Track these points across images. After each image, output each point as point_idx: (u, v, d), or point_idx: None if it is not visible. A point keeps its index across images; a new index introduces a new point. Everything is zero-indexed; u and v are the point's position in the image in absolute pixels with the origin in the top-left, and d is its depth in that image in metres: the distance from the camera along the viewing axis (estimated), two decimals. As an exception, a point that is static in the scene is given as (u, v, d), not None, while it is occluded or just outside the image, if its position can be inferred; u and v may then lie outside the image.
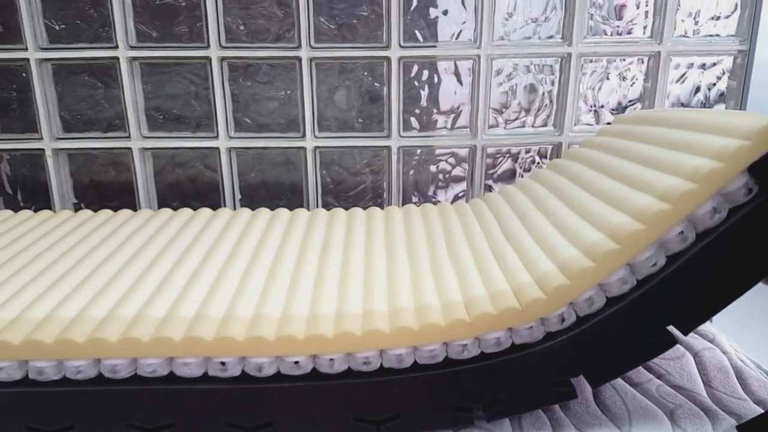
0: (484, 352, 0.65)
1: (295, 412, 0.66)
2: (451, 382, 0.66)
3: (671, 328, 0.63)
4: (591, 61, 1.14)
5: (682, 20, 1.12)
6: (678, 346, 0.83)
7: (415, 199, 1.19)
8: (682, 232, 0.61)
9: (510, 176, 1.19)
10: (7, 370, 0.64)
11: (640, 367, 0.78)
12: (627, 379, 0.76)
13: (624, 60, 1.14)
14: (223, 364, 0.65)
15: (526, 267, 0.69)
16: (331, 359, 0.65)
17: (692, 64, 1.15)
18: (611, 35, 1.13)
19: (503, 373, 0.65)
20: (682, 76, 1.16)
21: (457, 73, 1.13)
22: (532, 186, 0.94)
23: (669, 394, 0.72)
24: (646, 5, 1.12)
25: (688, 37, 1.13)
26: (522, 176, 1.19)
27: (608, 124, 1.12)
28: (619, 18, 1.13)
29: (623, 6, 1.12)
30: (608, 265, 0.62)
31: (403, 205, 1.17)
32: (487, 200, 0.99)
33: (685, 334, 0.63)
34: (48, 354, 0.63)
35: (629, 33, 1.13)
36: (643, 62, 1.14)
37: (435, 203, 1.14)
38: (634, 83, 1.16)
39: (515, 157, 1.18)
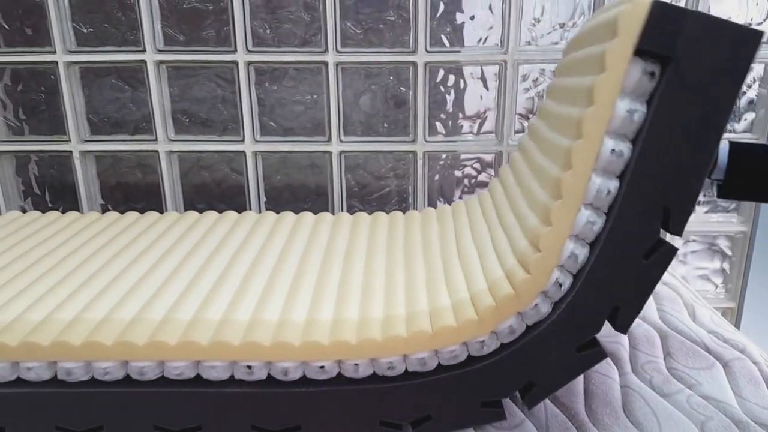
0: (503, 343, 0.66)
1: (322, 416, 0.66)
2: (476, 381, 0.66)
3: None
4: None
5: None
6: (707, 355, 0.82)
7: (440, 205, 1.19)
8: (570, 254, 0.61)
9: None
10: (36, 370, 0.65)
11: (670, 377, 0.77)
12: (657, 389, 0.75)
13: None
14: (249, 367, 0.65)
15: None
16: (356, 364, 0.66)
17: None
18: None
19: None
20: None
21: (483, 78, 1.13)
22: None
23: (700, 404, 0.71)
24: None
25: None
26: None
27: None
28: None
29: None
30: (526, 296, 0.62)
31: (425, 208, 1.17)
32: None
33: (623, 331, 0.63)
34: (76, 355, 0.64)
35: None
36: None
37: (459, 209, 1.14)
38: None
39: (542, 163, 1.17)
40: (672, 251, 0.60)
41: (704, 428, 0.67)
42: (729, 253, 1.21)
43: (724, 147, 0.64)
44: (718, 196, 0.66)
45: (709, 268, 1.22)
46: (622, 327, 0.63)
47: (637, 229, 0.59)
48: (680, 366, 0.80)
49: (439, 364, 0.66)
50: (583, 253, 0.62)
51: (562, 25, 1.10)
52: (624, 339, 0.86)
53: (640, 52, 0.56)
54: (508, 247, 0.72)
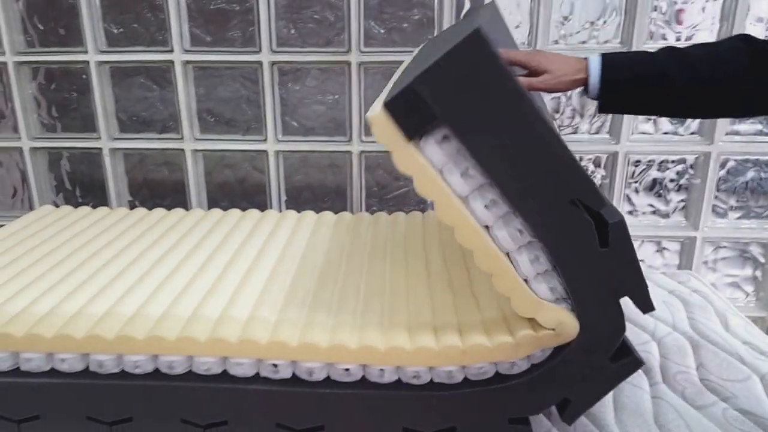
0: (533, 363, 0.67)
1: (346, 418, 0.68)
2: (505, 398, 0.67)
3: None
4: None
5: (752, 24, 1.10)
6: (742, 367, 0.81)
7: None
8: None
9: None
10: (70, 362, 0.68)
11: (704, 389, 0.77)
12: (689, 401, 0.74)
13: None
14: (275, 366, 0.68)
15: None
16: (382, 370, 0.67)
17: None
18: (677, 40, 1.11)
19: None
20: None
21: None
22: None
23: (736, 418, 0.70)
24: (701, 8, 1.10)
25: (755, 42, 1.10)
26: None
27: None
28: (679, 23, 1.11)
29: (681, 10, 1.10)
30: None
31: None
32: None
33: (645, 312, 0.63)
34: (109, 348, 0.67)
35: (689, 39, 1.11)
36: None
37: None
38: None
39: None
40: (620, 225, 0.59)
41: (742, 444, 0.67)
42: (762, 260, 1.19)
43: (595, 61, 0.62)
44: (600, 112, 0.64)
45: (739, 275, 1.21)
46: (644, 307, 0.63)
47: (570, 232, 0.59)
48: (714, 377, 0.79)
49: (465, 378, 0.67)
50: (557, 281, 0.64)
51: (591, 24, 1.11)
52: (654, 348, 0.86)
53: (412, 138, 0.58)
54: None
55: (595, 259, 0.60)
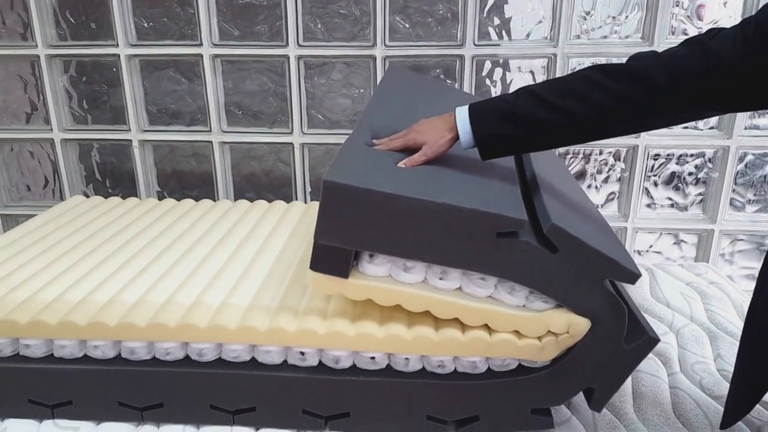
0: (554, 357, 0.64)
1: (370, 405, 0.66)
2: (528, 389, 0.65)
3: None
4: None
5: (772, 19, 1.05)
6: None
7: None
8: None
9: (581, 177, 1.15)
10: (102, 348, 0.67)
11: (721, 379, 0.74)
12: (707, 391, 0.72)
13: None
14: (302, 353, 0.65)
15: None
16: (407, 358, 0.65)
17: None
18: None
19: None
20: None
21: (531, 71, 1.10)
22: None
23: (755, 410, 0.67)
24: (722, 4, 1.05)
25: (777, 37, 1.05)
26: (594, 178, 1.15)
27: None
28: (700, 18, 1.07)
29: (701, 5, 1.06)
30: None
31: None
32: None
33: (633, 282, 0.61)
34: (141, 335, 0.65)
35: (710, 33, 1.07)
36: (726, 63, 1.08)
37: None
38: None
39: (587, 158, 1.14)
40: (554, 227, 0.59)
41: (760, 432, 0.64)
42: (778, 251, 1.16)
43: (462, 116, 0.62)
44: (483, 158, 0.63)
45: (756, 267, 1.17)
46: (631, 279, 0.61)
47: (516, 255, 0.59)
48: (731, 368, 0.76)
49: (489, 368, 0.65)
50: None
51: (613, 18, 1.06)
52: (672, 338, 0.83)
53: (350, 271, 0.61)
54: None
55: (554, 265, 0.60)
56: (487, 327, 0.64)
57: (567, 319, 0.61)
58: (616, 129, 0.59)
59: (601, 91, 0.56)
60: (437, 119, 0.65)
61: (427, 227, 0.58)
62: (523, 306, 0.62)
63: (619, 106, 0.56)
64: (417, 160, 0.64)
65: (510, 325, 0.62)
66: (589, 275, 0.60)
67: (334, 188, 0.57)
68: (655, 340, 0.62)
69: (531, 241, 0.58)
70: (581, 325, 0.61)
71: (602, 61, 1.08)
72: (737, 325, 0.86)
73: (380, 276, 0.61)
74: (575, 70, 0.60)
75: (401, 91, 0.88)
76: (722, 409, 0.68)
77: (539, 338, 0.63)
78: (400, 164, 0.63)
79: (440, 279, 0.61)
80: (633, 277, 0.60)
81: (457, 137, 0.63)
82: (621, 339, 0.62)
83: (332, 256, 0.60)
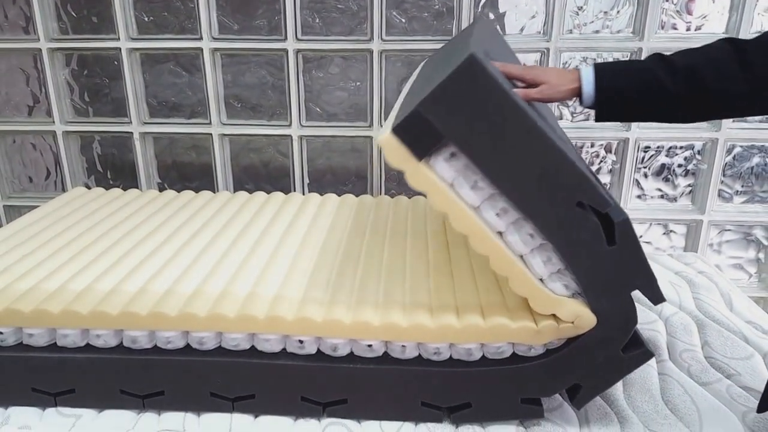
0: (549, 349, 0.64)
1: (367, 392, 0.66)
2: (520, 378, 0.64)
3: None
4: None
5: (760, 14, 1.04)
6: (745, 345, 0.78)
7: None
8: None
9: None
10: (105, 337, 0.66)
11: (709, 366, 0.74)
12: (695, 377, 0.72)
13: (696, 55, 1.07)
14: (301, 342, 0.65)
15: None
16: (403, 346, 0.64)
17: (768, 60, 1.06)
18: (687, 30, 1.05)
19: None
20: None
21: (524, 65, 1.08)
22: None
23: (740, 395, 0.68)
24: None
25: (765, 32, 1.04)
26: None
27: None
28: (689, 13, 1.05)
29: (690, 1, 1.05)
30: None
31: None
32: None
33: (656, 303, 0.61)
34: (142, 325, 0.64)
35: (699, 29, 1.06)
36: (715, 58, 1.06)
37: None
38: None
39: (579, 151, 1.13)
40: (625, 224, 0.57)
41: (746, 419, 0.64)
42: (765, 243, 1.15)
43: (587, 76, 0.60)
44: (597, 120, 0.62)
45: (743, 257, 1.16)
46: (655, 299, 0.61)
47: (577, 234, 0.58)
48: (718, 355, 0.76)
49: (483, 356, 0.65)
50: (570, 278, 0.61)
51: (605, 13, 1.05)
52: (661, 326, 0.83)
53: (422, 157, 0.57)
54: None
55: (603, 256, 0.58)
56: (482, 313, 0.63)
57: (578, 310, 0.61)
58: (736, 112, 0.58)
59: (735, 72, 0.54)
60: (562, 69, 0.63)
61: (526, 159, 0.55)
62: (543, 280, 0.61)
63: (749, 91, 0.55)
64: (532, 95, 0.61)
65: (525, 288, 0.61)
66: (625, 280, 0.59)
67: (475, 67, 0.52)
68: (651, 354, 0.63)
69: (598, 225, 0.57)
70: (588, 320, 0.61)
71: (593, 55, 1.07)
72: (724, 314, 0.86)
73: (445, 177, 0.58)
74: (709, 44, 0.58)
75: (488, 41, 0.82)
76: (710, 396, 0.68)
77: (535, 321, 0.62)
78: (516, 91, 0.60)
79: (496, 214, 0.58)
80: (659, 299, 0.60)
81: (578, 91, 0.60)
82: (620, 347, 0.62)
83: (420, 133, 0.55)
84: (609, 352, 0.62)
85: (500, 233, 0.59)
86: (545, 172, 0.56)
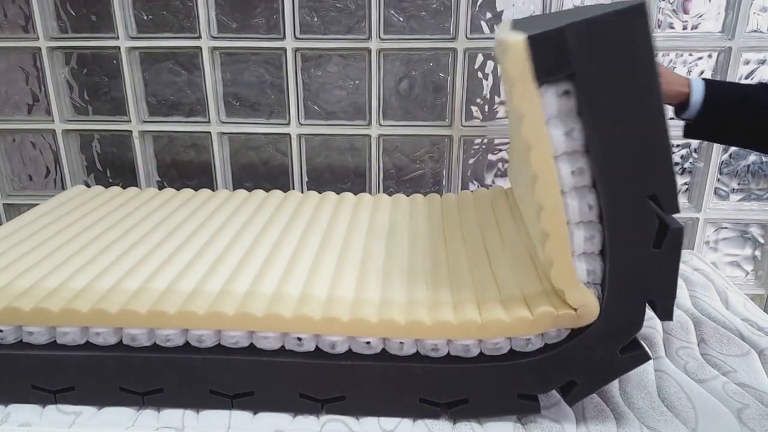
0: (547, 343, 0.64)
1: (365, 388, 0.66)
2: (516, 374, 0.64)
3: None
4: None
5: (757, 14, 1.04)
6: (741, 342, 0.78)
7: (473, 187, 1.16)
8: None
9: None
10: (104, 335, 0.66)
11: (705, 363, 0.74)
12: (691, 375, 0.72)
13: (692, 55, 1.07)
14: (299, 339, 0.65)
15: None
16: (401, 343, 0.64)
17: (764, 59, 1.06)
18: (683, 29, 1.05)
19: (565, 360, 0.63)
20: (752, 72, 1.07)
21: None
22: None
23: (736, 392, 0.68)
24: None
25: (761, 32, 1.04)
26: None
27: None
28: (686, 12, 1.05)
29: (687, 0, 1.04)
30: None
31: (461, 191, 1.15)
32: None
33: (669, 318, 0.60)
34: (141, 323, 0.64)
35: (695, 28, 1.06)
36: (712, 57, 1.07)
37: (494, 192, 1.10)
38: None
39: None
40: (679, 232, 0.56)
41: (741, 415, 0.64)
42: (761, 240, 1.15)
43: (698, 85, 0.59)
44: (685, 136, 0.61)
45: (740, 255, 1.17)
46: (665, 315, 0.60)
47: (635, 225, 0.56)
48: (715, 353, 0.76)
49: (481, 352, 0.64)
50: (598, 265, 0.60)
51: (602, 14, 1.05)
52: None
53: (542, 82, 0.54)
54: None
55: (642, 257, 0.57)
56: (478, 309, 0.64)
57: (587, 298, 0.60)
58: None
59: None
60: (676, 73, 0.62)
61: (635, 131, 0.53)
62: (573, 255, 0.60)
63: None
64: None
65: (560, 254, 0.59)
66: (650, 287, 0.58)
67: (642, 18, 0.49)
68: (648, 357, 0.62)
69: (656, 225, 0.56)
70: (591, 312, 0.60)
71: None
72: (720, 311, 0.86)
73: (547, 110, 0.55)
74: None
75: None
76: (706, 393, 0.68)
77: (531, 311, 0.62)
78: None
79: (571, 172, 0.56)
80: (668, 316, 0.59)
81: (685, 97, 0.60)
82: (618, 348, 0.61)
83: (552, 54, 0.52)
84: (607, 351, 0.62)
85: (563, 192, 0.57)
86: (642, 153, 0.53)
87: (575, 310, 0.61)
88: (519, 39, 0.52)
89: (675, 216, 0.57)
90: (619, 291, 0.59)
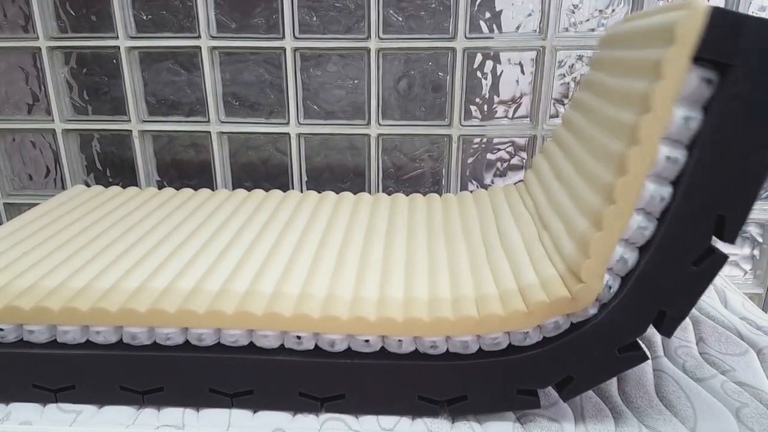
0: (546, 336, 0.63)
1: (364, 387, 0.66)
2: (515, 369, 0.64)
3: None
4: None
5: (754, 13, 1.04)
6: (740, 341, 0.78)
7: (472, 186, 1.17)
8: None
9: (569, 167, 1.14)
10: (104, 334, 0.66)
11: (703, 362, 0.74)
12: (690, 374, 0.72)
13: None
14: (298, 338, 0.65)
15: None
16: (400, 340, 0.64)
17: None
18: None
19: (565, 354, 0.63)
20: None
21: (520, 64, 1.09)
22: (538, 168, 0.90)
23: (734, 391, 0.68)
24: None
25: None
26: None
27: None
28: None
29: None
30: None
31: (460, 191, 1.15)
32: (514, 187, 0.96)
33: (668, 335, 0.59)
34: (141, 321, 0.64)
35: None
36: (710, 56, 1.07)
37: (493, 191, 1.11)
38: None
39: (575, 149, 1.13)
40: (722, 259, 0.56)
41: (739, 414, 0.64)
42: (760, 240, 1.15)
43: None
44: None
45: (738, 254, 1.17)
46: (667, 331, 0.60)
47: (689, 236, 0.56)
48: (713, 351, 0.76)
49: (480, 348, 0.64)
50: (632, 257, 0.59)
51: (600, 12, 1.05)
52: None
53: (697, 59, 0.52)
54: (554, 246, 0.69)
55: (677, 269, 0.56)
56: (476, 304, 0.64)
57: (595, 282, 0.58)
58: None
59: None
60: None
61: (750, 147, 0.52)
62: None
63: None
64: None
65: (610, 224, 0.57)
66: (669, 301, 0.58)
67: None
68: (646, 357, 0.62)
69: (707, 244, 0.56)
70: (588, 298, 0.59)
71: (589, 53, 1.07)
72: (719, 310, 0.86)
73: (682, 90, 0.53)
74: None
75: None
76: (704, 392, 0.68)
77: (526, 304, 0.62)
78: None
79: (666, 157, 0.55)
80: (669, 334, 0.60)
81: None
82: (617, 347, 0.61)
83: (722, 40, 0.50)
84: (605, 349, 0.62)
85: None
86: (740, 172, 0.52)
87: (569, 294, 0.60)
88: (702, 5, 0.50)
89: (729, 246, 0.57)
90: (637, 292, 0.59)
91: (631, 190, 0.56)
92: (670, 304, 0.59)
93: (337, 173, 1.17)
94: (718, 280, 0.96)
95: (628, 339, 0.62)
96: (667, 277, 0.58)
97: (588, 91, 0.78)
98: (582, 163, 0.69)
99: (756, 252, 1.16)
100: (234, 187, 1.15)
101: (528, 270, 0.68)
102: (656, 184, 0.56)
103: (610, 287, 0.61)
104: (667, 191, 0.57)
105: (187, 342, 0.66)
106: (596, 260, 0.58)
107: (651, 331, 0.81)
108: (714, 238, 0.56)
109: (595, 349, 0.62)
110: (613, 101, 0.66)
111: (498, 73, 1.09)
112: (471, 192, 1.00)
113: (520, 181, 1.00)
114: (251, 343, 0.66)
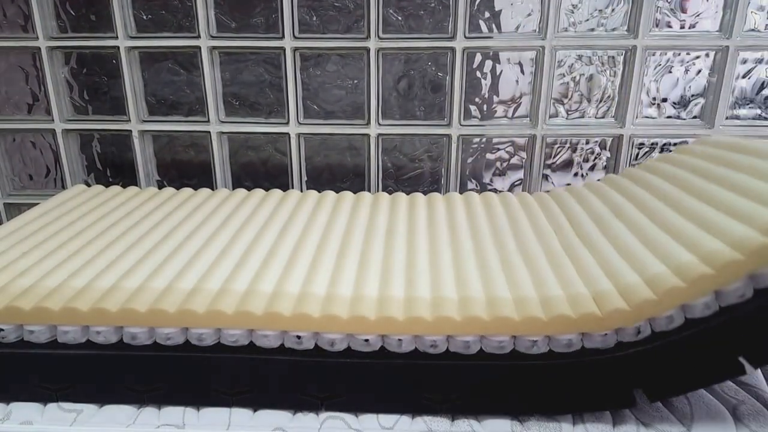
0: (552, 350, 0.63)
1: (365, 386, 0.66)
2: (513, 374, 0.64)
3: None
4: (653, 54, 1.07)
5: (754, 13, 1.04)
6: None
7: (471, 186, 1.17)
8: None
9: (568, 166, 1.15)
10: (104, 334, 0.66)
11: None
12: (688, 372, 0.72)
13: (689, 54, 1.07)
14: (298, 337, 0.65)
15: (607, 274, 0.65)
16: (400, 339, 0.64)
17: (761, 59, 1.07)
18: (681, 28, 1.06)
19: (568, 374, 0.63)
20: (749, 71, 1.08)
21: (519, 63, 1.09)
22: (604, 189, 0.89)
23: (731, 388, 0.68)
24: (717, -3, 1.04)
25: (758, 31, 1.05)
26: (581, 166, 1.15)
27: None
28: (683, 11, 1.06)
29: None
30: (698, 288, 0.58)
31: (459, 191, 1.15)
32: (554, 196, 0.96)
33: (756, 368, 0.59)
34: (142, 321, 0.65)
35: (692, 27, 1.06)
36: (709, 56, 1.07)
37: (492, 191, 1.11)
38: (697, 76, 1.09)
39: (574, 148, 1.13)
40: (740, 371, 0.58)
41: (736, 412, 0.64)
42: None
43: None
44: None
45: None
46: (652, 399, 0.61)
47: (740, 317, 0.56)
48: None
49: (481, 349, 0.64)
50: (714, 305, 0.58)
51: (600, 11, 1.05)
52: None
53: None
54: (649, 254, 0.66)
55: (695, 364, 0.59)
56: (487, 308, 0.64)
57: (647, 307, 0.59)
58: None
59: None
60: None
61: None
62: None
63: None
64: None
65: (751, 251, 0.56)
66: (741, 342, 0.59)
67: None
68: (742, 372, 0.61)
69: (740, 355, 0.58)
70: (623, 323, 0.60)
71: (588, 53, 1.07)
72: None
73: None
74: None
75: None
76: (702, 390, 0.68)
77: (544, 312, 0.61)
78: None
79: None
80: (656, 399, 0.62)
81: None
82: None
83: None
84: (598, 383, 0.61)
85: None
86: None
87: (600, 312, 0.60)
88: None
89: None
90: (669, 351, 0.59)
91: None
92: (674, 377, 0.59)
93: (336, 173, 1.17)
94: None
95: (622, 386, 0.61)
96: (690, 358, 0.58)
97: (686, 171, 0.81)
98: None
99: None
100: (234, 187, 1.15)
101: (552, 282, 0.67)
102: (746, 282, 0.56)
103: (639, 332, 0.60)
104: (749, 292, 0.56)
105: (187, 342, 0.66)
106: (662, 300, 0.58)
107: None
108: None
109: (593, 381, 0.61)
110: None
111: (497, 73, 1.09)
112: (478, 192, 1.00)
113: (540, 193, 1.00)
114: (251, 342, 0.66)
